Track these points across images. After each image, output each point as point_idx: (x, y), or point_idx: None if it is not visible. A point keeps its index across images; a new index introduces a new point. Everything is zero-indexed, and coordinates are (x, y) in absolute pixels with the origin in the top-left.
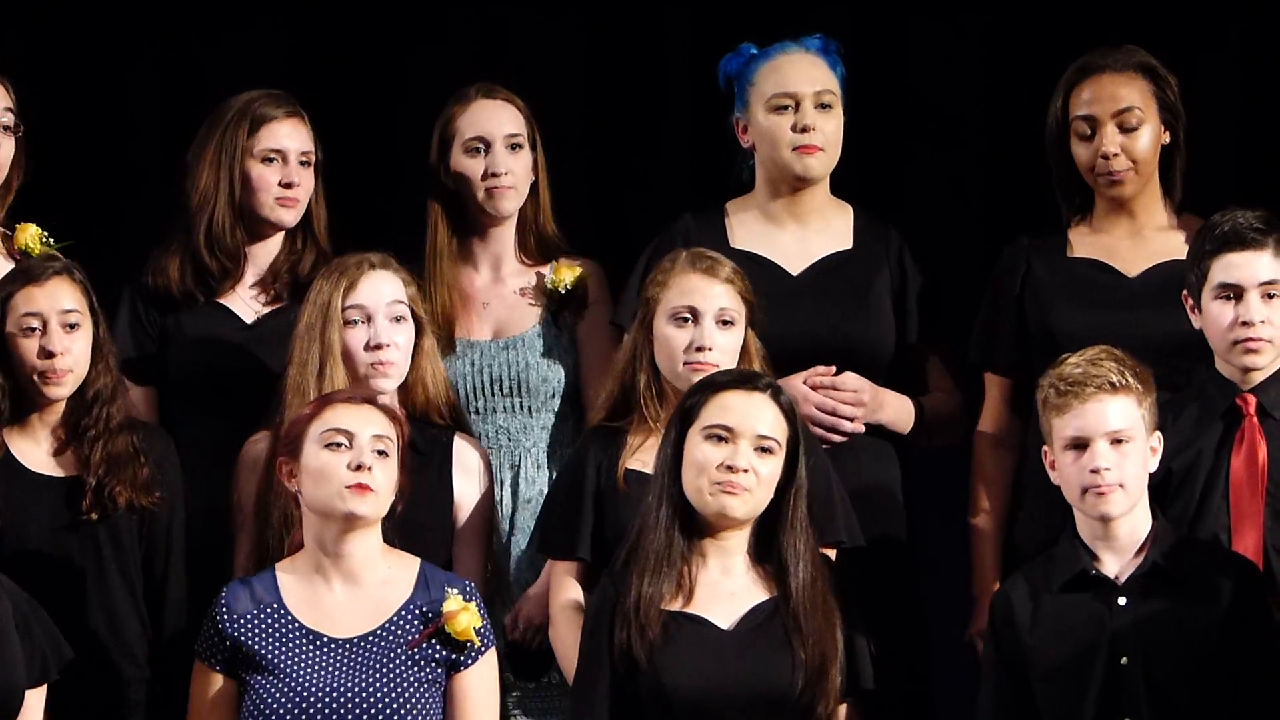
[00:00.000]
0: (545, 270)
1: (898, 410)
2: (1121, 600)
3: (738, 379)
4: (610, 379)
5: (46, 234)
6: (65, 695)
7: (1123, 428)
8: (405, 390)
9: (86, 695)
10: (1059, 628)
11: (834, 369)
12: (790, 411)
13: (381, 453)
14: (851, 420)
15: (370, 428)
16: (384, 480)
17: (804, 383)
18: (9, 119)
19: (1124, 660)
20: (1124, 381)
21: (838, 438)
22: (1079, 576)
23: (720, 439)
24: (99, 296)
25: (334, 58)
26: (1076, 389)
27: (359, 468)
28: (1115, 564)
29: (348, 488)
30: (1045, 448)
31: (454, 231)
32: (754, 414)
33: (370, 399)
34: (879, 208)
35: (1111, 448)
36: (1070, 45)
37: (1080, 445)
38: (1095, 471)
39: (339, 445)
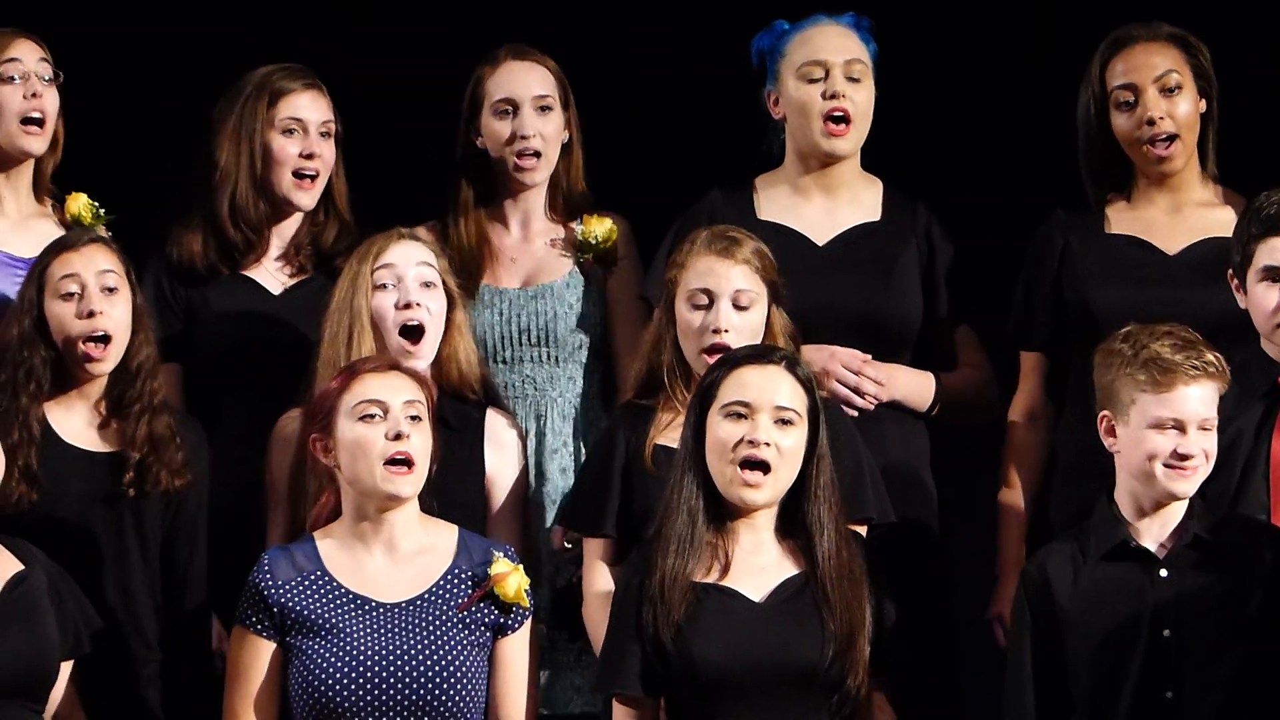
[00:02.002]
0: (574, 225)
1: (911, 387)
2: (1163, 572)
3: (752, 354)
4: (639, 358)
5: (96, 204)
6: (78, 670)
7: (1211, 415)
8: (438, 364)
9: (98, 671)
10: (1099, 598)
11: (869, 357)
12: (809, 383)
13: (415, 418)
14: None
15: (402, 394)
16: (421, 447)
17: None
18: (47, 70)
19: (1166, 633)
20: (1220, 370)
21: (860, 401)
22: (1119, 547)
23: (739, 415)
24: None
25: (354, 25)
26: (1182, 372)
27: (397, 437)
28: (1153, 537)
29: (387, 465)
30: (1105, 412)
31: (483, 190)
32: (770, 386)
33: (396, 365)
34: (912, 182)
35: (1200, 433)
36: (1101, 19)
37: (1172, 427)
38: (1186, 457)
39: (373, 416)
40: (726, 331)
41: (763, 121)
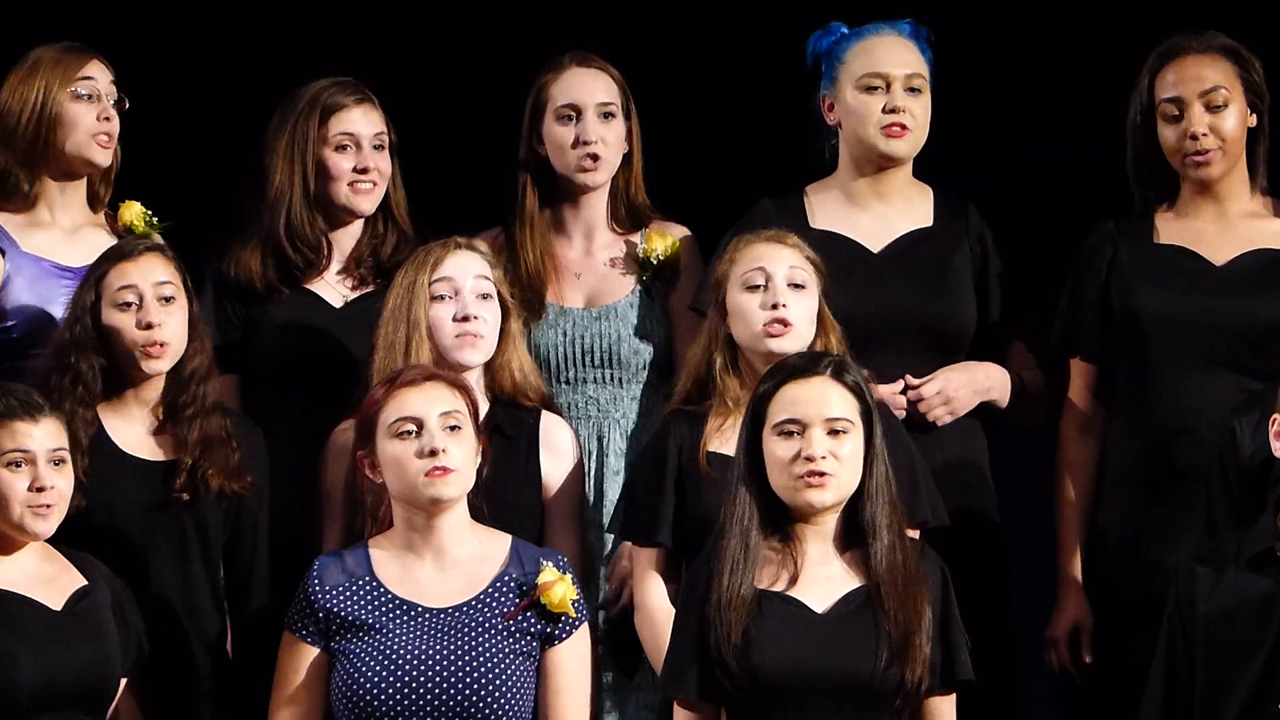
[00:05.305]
0: (637, 238)
1: (992, 381)
2: None
3: (797, 368)
4: (687, 364)
5: (150, 213)
6: (137, 677)
7: None
8: (491, 373)
9: (160, 680)
10: (1231, 602)
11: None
12: (858, 387)
13: (454, 428)
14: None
15: (437, 407)
16: (461, 457)
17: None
18: (114, 92)
19: None
20: None
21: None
22: (1263, 555)
23: (792, 432)
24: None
25: (408, 31)
26: None
27: (432, 453)
28: None
29: (425, 475)
30: (1276, 415)
31: (545, 199)
32: (819, 399)
33: (433, 375)
34: (964, 189)
35: None
36: (1153, 26)
37: None
38: None
39: (409, 433)
40: (786, 306)
41: (813, 125)
